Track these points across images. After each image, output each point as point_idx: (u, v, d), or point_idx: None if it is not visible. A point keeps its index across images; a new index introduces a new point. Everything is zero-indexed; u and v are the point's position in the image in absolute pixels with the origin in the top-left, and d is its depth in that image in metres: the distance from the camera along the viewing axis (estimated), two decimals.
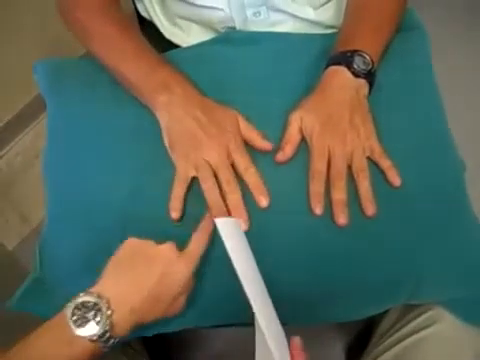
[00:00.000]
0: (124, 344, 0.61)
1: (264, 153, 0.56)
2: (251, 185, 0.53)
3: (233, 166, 0.54)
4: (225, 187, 0.52)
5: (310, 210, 0.53)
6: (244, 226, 0.52)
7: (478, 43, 1.40)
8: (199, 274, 0.52)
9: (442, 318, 0.57)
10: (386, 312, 0.63)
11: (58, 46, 1.05)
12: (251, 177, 0.53)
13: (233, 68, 0.63)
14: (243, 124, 0.56)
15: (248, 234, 0.52)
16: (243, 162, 0.54)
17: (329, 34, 0.66)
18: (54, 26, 1.04)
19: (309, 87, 0.59)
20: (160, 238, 0.53)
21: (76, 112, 0.63)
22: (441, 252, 0.54)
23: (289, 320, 0.58)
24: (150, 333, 0.58)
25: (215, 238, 0.52)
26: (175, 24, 0.73)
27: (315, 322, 0.63)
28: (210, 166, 0.53)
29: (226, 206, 0.52)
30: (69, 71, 0.68)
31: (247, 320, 0.57)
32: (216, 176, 0.53)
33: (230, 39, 0.66)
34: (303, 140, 0.56)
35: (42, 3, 1.06)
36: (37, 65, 0.68)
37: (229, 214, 0.52)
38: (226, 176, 0.53)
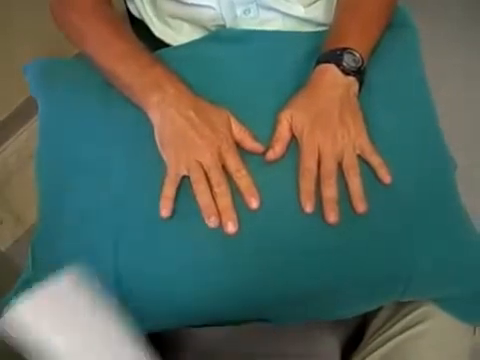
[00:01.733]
0: None
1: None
2: (242, 187, 0.53)
3: (224, 167, 0.54)
4: (216, 189, 0.52)
5: (301, 209, 0.53)
6: (233, 228, 0.51)
7: (473, 41, 1.40)
8: (202, 275, 0.53)
9: (434, 315, 0.58)
10: (379, 309, 0.63)
11: (53, 46, 1.04)
12: (242, 179, 0.53)
13: (223, 66, 0.63)
14: (235, 125, 0.56)
15: (240, 234, 0.52)
16: (234, 164, 0.54)
17: (319, 32, 0.65)
18: (50, 26, 1.04)
19: (299, 85, 0.59)
20: (149, 239, 0.53)
21: (67, 113, 0.63)
22: (433, 250, 0.54)
23: (282, 319, 0.58)
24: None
25: (199, 241, 0.53)
26: (166, 23, 0.72)
27: (308, 320, 0.63)
28: (202, 167, 0.53)
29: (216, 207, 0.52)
30: (60, 72, 0.67)
31: (238, 319, 0.58)
32: (207, 176, 0.53)
33: (220, 37, 0.66)
34: (293, 138, 0.56)
35: (38, 3, 1.06)
36: (27, 66, 0.68)
37: (219, 215, 0.52)
38: (217, 178, 0.53)
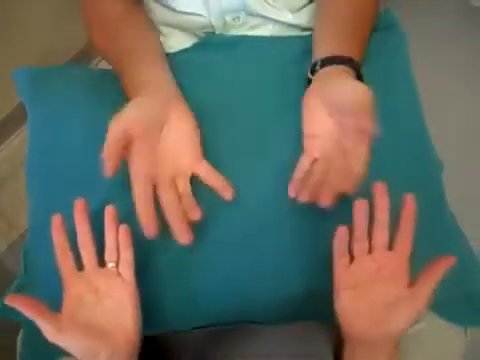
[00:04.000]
0: None
1: (250, 152, 0.58)
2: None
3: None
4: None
5: (295, 210, 0.54)
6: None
7: (467, 42, 1.40)
8: (191, 277, 0.54)
9: (425, 317, 0.58)
10: None
11: (44, 55, 1.04)
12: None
13: (214, 72, 0.63)
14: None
15: (235, 236, 0.53)
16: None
17: (307, 36, 0.65)
18: (42, 34, 1.04)
19: (288, 87, 0.60)
20: (143, 243, 0.54)
21: (56, 119, 0.63)
22: (419, 251, 0.55)
23: (275, 319, 0.59)
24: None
25: (206, 240, 0.53)
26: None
27: (300, 320, 0.64)
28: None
29: None
30: (49, 78, 0.67)
31: (231, 321, 0.58)
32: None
33: (210, 43, 0.66)
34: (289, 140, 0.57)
35: (31, 12, 1.06)
36: (17, 72, 0.67)
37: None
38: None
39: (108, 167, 0.49)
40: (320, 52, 0.58)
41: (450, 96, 1.25)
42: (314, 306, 0.57)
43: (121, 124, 0.50)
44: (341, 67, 0.55)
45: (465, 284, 0.58)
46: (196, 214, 0.51)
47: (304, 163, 0.54)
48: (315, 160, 0.54)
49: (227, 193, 0.53)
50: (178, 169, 0.53)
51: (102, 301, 0.47)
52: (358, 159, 0.50)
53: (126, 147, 0.51)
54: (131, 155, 0.52)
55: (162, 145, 0.53)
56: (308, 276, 0.54)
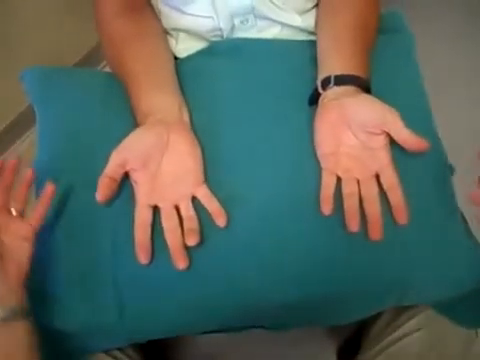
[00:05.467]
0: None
1: (256, 155, 0.58)
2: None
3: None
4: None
5: (302, 217, 0.54)
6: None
7: (474, 43, 1.39)
8: (198, 281, 0.53)
9: (434, 321, 0.58)
10: (378, 315, 0.63)
11: (53, 56, 1.05)
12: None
13: (219, 78, 0.64)
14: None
15: (241, 237, 0.53)
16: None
17: (313, 41, 0.65)
18: (49, 36, 1.04)
19: (292, 92, 0.60)
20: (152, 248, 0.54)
21: (65, 119, 0.63)
22: (430, 255, 0.55)
23: (277, 325, 0.59)
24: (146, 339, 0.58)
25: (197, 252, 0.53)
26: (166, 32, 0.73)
27: (302, 326, 0.63)
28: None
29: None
30: (58, 78, 0.68)
31: (238, 327, 0.58)
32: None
33: (216, 50, 0.66)
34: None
35: (36, 17, 1.07)
36: (25, 73, 0.68)
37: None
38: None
39: (100, 195, 0.52)
40: (331, 67, 0.59)
41: (453, 97, 1.24)
42: (320, 311, 0.57)
43: (118, 157, 0.54)
44: (354, 88, 0.56)
45: (473, 287, 0.57)
46: (193, 240, 0.52)
47: (329, 182, 0.55)
48: (338, 178, 0.55)
49: (221, 220, 0.54)
50: (179, 193, 0.55)
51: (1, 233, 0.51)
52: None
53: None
54: (133, 184, 0.55)
55: (162, 171, 0.55)
56: (316, 281, 0.54)
